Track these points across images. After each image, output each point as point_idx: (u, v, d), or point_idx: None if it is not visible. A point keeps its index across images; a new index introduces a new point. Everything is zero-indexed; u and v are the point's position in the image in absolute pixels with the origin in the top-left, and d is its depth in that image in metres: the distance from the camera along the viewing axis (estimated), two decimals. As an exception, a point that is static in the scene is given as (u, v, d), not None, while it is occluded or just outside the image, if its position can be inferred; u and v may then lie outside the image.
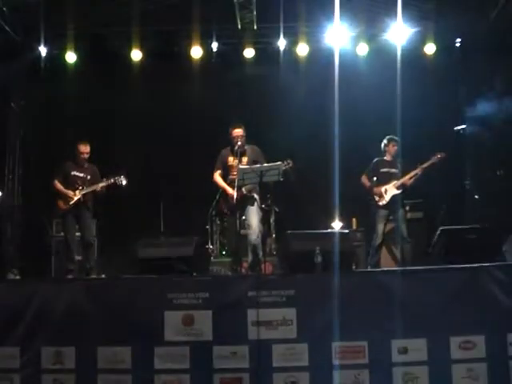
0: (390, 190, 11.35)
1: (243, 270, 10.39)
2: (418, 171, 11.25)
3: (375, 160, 11.73)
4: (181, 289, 8.23)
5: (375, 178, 11.59)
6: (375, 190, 11.52)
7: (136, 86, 14.51)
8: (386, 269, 11.40)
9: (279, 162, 9.72)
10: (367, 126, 13.91)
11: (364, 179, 11.75)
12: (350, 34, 14.40)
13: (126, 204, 13.51)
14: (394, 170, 11.47)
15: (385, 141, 11.72)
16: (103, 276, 11.46)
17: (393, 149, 11.53)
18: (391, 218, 11.50)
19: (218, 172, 10.38)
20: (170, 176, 13.99)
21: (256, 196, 10.24)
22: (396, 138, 11.62)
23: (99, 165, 11.75)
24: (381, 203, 11.38)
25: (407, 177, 11.29)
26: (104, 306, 8.26)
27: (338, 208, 13.27)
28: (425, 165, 11.26)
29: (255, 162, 10.06)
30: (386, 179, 11.49)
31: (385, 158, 11.65)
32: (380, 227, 11.41)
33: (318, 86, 14.40)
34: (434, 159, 11.21)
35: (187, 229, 12.19)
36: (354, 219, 13.49)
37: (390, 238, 12.08)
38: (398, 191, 11.33)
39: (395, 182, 11.35)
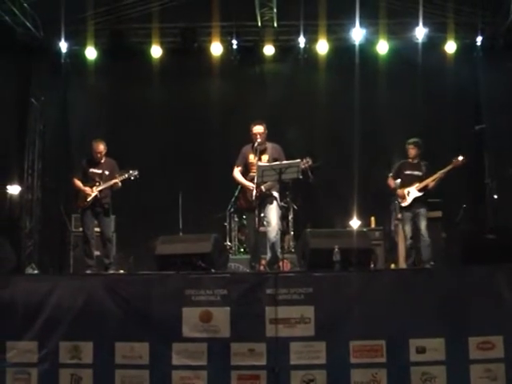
0: (413, 192, 11.29)
1: (261, 268, 10.35)
2: (439, 175, 11.17)
3: (400, 162, 11.67)
4: (199, 285, 8.23)
5: (399, 180, 11.52)
6: (398, 191, 11.47)
7: (155, 82, 14.64)
8: (404, 268, 11.39)
9: (298, 160, 9.69)
10: (387, 124, 13.91)
11: (389, 181, 11.69)
12: (370, 32, 14.36)
13: (145, 200, 13.58)
14: (417, 173, 11.37)
15: (406, 144, 11.63)
16: (121, 272, 11.50)
17: (412, 151, 11.44)
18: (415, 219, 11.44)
19: (239, 169, 10.33)
20: (189, 173, 14.02)
21: (275, 193, 10.19)
22: (415, 140, 11.51)
23: (118, 160, 11.76)
24: (403, 204, 11.35)
25: (429, 179, 11.21)
26: (122, 301, 8.29)
27: (356, 206, 13.26)
28: (446, 169, 11.16)
29: (275, 160, 9.92)
30: (409, 181, 11.43)
31: (409, 160, 11.57)
32: (406, 229, 11.38)
33: (338, 84, 14.46)
34: (455, 163, 11.12)
35: (205, 226, 12.23)
36: (372, 218, 13.42)
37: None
38: (420, 193, 11.25)
39: (418, 184, 11.28)
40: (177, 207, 13.28)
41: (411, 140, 11.53)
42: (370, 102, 13.84)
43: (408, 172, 11.48)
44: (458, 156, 11.14)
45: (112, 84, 14.73)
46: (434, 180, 11.23)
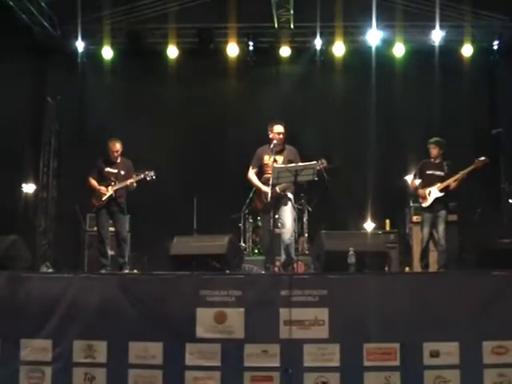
0: (434, 193, 11.22)
1: (276, 269, 10.31)
2: (460, 176, 11.09)
3: (422, 162, 11.60)
4: (213, 286, 8.25)
5: (421, 180, 11.47)
6: (419, 191, 11.39)
7: (171, 82, 14.65)
8: (418, 271, 11.36)
9: (314, 162, 9.66)
10: (403, 126, 13.89)
11: (411, 181, 11.66)
12: (386, 34, 14.34)
13: (160, 200, 13.57)
14: (438, 173, 11.28)
15: (428, 143, 11.56)
16: (136, 271, 11.52)
17: (433, 151, 11.35)
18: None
19: (254, 170, 10.33)
20: (204, 173, 14.05)
21: (290, 195, 10.17)
22: (437, 139, 11.42)
23: (133, 160, 11.78)
24: (424, 205, 11.28)
25: (451, 180, 11.12)
26: (136, 301, 8.31)
27: (371, 208, 13.25)
28: (467, 169, 11.08)
29: (290, 162, 9.90)
30: (430, 181, 11.36)
31: (431, 159, 11.50)
32: (425, 230, 11.31)
33: (354, 86, 14.46)
34: (476, 163, 11.03)
35: (220, 226, 12.22)
36: (387, 220, 13.43)
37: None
38: (441, 194, 11.19)
39: (439, 184, 11.22)
40: (191, 208, 13.32)
41: (433, 139, 11.44)
42: (386, 104, 13.83)
43: (430, 172, 11.38)
44: (480, 157, 11.07)
45: (128, 84, 14.76)
46: (455, 180, 11.12)
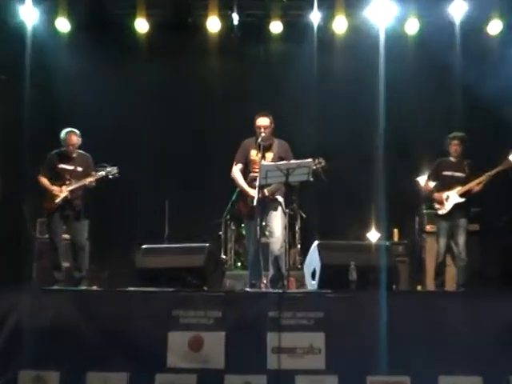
0: (453, 197, 11.18)
1: (263, 286, 10.40)
2: (485, 178, 11.03)
3: (438, 160, 11.59)
4: (188, 306, 8.26)
5: (437, 182, 11.46)
6: (435, 195, 11.37)
7: (141, 62, 14.56)
8: (432, 290, 11.40)
9: (309, 160, 9.68)
10: (416, 119, 13.89)
11: (425, 183, 11.66)
12: (397, 8, 14.31)
13: (125, 202, 13.56)
14: (458, 174, 11.25)
15: (446, 139, 11.54)
16: (95, 287, 11.50)
17: (454, 148, 11.34)
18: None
19: (239, 167, 10.37)
20: (178, 170, 14.03)
21: (280, 199, 10.23)
22: (461, 135, 11.42)
23: (94, 154, 11.76)
24: (440, 212, 11.26)
25: (474, 182, 11.08)
26: (96, 323, 8.31)
27: (376, 215, 13.28)
28: (494, 170, 11.05)
29: (281, 159, 9.99)
30: (448, 184, 11.33)
31: (450, 158, 11.48)
32: (441, 242, 11.29)
33: (357, 70, 14.42)
34: (506, 163, 10.99)
35: (197, 234, 12.24)
36: (395, 230, 13.46)
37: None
38: (462, 199, 11.15)
39: (459, 187, 11.19)
40: (163, 212, 13.30)
41: (456, 135, 11.41)
42: (397, 91, 13.77)
43: (448, 173, 11.38)
44: (510, 155, 11.03)
45: (87, 62, 14.59)
46: (479, 183, 11.09)
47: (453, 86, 13.86)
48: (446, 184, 11.36)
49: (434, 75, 14.02)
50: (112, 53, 14.50)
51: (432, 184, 11.50)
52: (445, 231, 11.28)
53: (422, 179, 12.07)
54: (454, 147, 11.33)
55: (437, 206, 11.35)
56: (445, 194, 11.25)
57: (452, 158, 11.42)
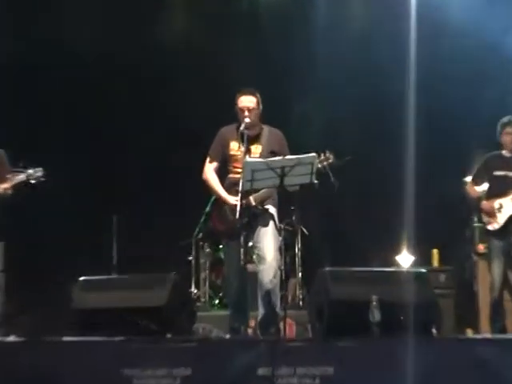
0: (508, 207, 11.12)
1: (249, 332, 10.38)
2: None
3: (486, 156, 11.49)
4: (145, 361, 8.26)
5: (484, 187, 11.41)
6: (484, 204, 11.27)
7: (82, 12, 14.47)
8: (487, 336, 11.34)
9: (313, 154, 9.59)
10: (458, 102, 13.85)
11: (470, 186, 11.56)
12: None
13: (55, 218, 13.48)
14: None
15: (498, 126, 11.47)
16: (13, 337, 11.46)
17: (508, 138, 11.28)
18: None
19: (213, 165, 10.29)
20: (129, 173, 13.98)
21: (272, 209, 10.17)
22: None
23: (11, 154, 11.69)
24: (491, 227, 11.17)
25: None
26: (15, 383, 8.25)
27: (408, 232, 13.23)
28: None
29: (274, 154, 9.94)
30: (502, 188, 11.26)
31: (502, 152, 11.41)
32: (495, 269, 11.21)
33: (377, 35, 14.31)
34: None
35: (157, 261, 12.21)
36: (434, 251, 13.44)
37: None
38: None
39: (517, 193, 11.18)
40: (109, 231, 13.28)
41: (511, 118, 11.36)
42: (431, 67, 13.69)
43: (500, 173, 11.27)
44: None
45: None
46: None
47: (504, 60, 13.87)
48: (498, 188, 11.26)
49: (480, 44, 13.96)
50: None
51: (479, 189, 11.42)
52: (498, 253, 11.17)
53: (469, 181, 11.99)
54: (506, 137, 11.24)
55: (486, 218, 11.26)
56: (497, 203, 11.15)
57: (506, 153, 11.34)
